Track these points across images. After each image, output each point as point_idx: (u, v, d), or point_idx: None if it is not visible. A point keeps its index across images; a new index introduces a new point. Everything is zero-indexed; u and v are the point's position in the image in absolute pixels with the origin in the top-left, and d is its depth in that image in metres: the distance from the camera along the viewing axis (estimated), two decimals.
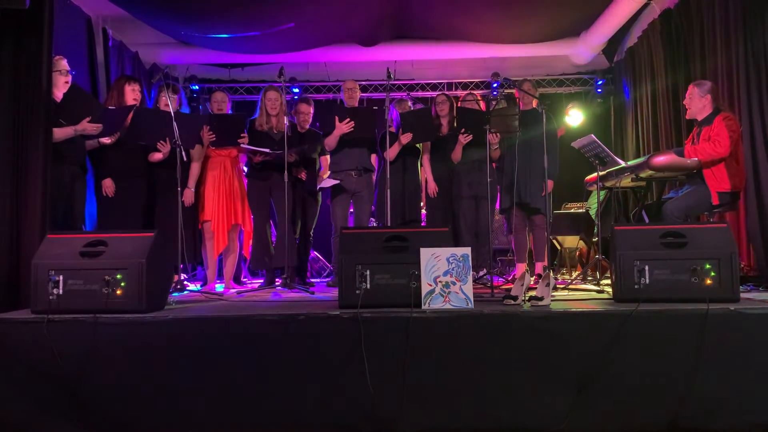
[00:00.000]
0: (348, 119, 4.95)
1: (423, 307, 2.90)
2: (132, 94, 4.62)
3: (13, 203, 3.53)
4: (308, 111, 5.45)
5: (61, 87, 4.09)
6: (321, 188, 5.38)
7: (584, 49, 7.35)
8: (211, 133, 4.75)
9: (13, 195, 3.54)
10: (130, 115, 4.38)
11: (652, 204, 4.93)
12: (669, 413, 2.70)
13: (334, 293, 3.62)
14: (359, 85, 5.32)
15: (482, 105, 5.43)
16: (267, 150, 4.74)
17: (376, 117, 5.14)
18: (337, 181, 5.14)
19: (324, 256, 7.19)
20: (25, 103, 3.61)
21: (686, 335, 2.73)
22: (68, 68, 4.24)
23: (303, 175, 5.16)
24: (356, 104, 5.42)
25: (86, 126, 4.04)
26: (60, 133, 3.93)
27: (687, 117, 4.58)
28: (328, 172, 5.35)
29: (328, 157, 5.41)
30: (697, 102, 4.41)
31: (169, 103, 4.51)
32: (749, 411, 2.70)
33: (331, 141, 5.09)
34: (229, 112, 5.26)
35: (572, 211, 6.87)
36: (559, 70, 8.28)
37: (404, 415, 2.72)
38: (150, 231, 3.16)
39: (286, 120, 4.76)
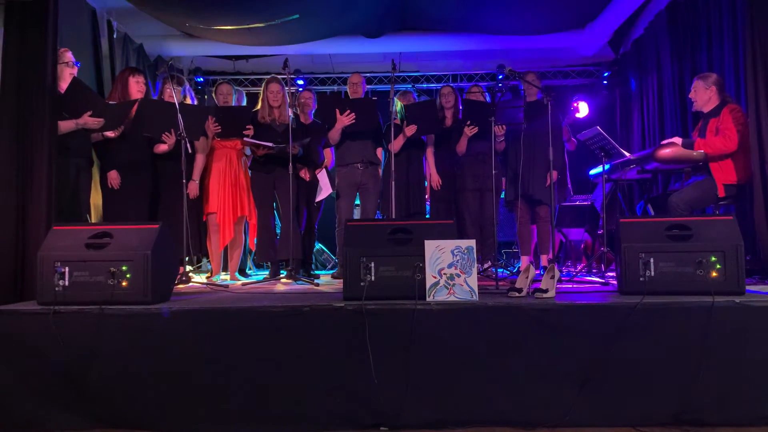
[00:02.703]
0: (348, 111, 4.96)
1: (427, 299, 2.90)
2: (136, 86, 4.62)
3: (18, 195, 3.55)
4: (309, 96, 5.47)
5: (66, 79, 4.11)
6: (318, 202, 5.41)
7: (590, 41, 7.31)
8: (216, 124, 4.76)
9: (18, 187, 3.55)
10: (135, 108, 4.38)
11: (657, 196, 4.92)
12: (673, 406, 2.70)
13: (339, 285, 3.63)
14: (364, 77, 5.32)
15: (487, 97, 5.42)
16: (270, 144, 4.74)
17: (376, 107, 5.15)
18: (331, 190, 5.15)
19: (328, 248, 7.20)
20: (31, 96, 3.62)
21: (691, 328, 2.72)
22: (74, 60, 4.25)
23: (307, 176, 5.16)
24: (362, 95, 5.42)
25: (87, 120, 4.05)
26: (62, 126, 3.94)
27: (694, 110, 4.55)
28: (321, 188, 5.36)
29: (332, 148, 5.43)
30: (702, 94, 4.38)
31: (173, 94, 4.52)
32: (754, 404, 2.69)
33: (334, 134, 5.11)
34: (234, 104, 5.27)
35: (578, 203, 6.85)
36: (565, 62, 8.24)
37: (408, 408, 2.72)
38: (155, 222, 3.17)
39: (290, 112, 4.76)
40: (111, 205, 4.58)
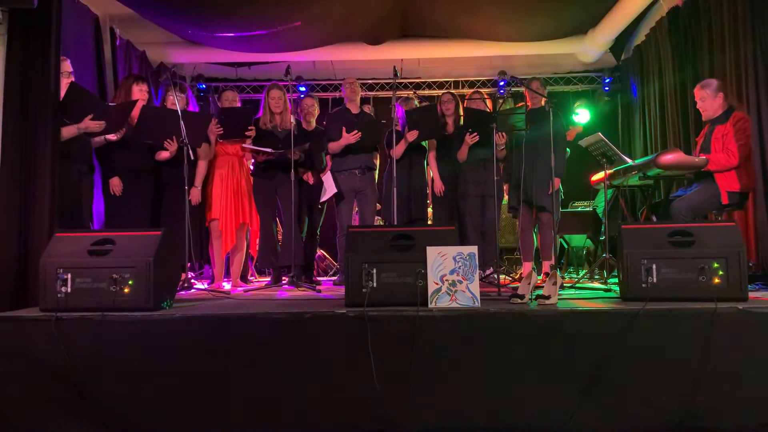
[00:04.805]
0: (355, 131, 5.01)
1: (429, 305, 2.90)
2: (139, 93, 4.63)
3: (21, 202, 3.55)
4: (312, 103, 5.49)
5: (63, 88, 4.11)
6: (321, 204, 5.42)
7: (591, 47, 7.33)
8: (219, 126, 4.78)
9: (21, 194, 3.55)
10: (137, 113, 4.39)
11: (659, 202, 4.91)
12: (676, 413, 2.69)
13: (341, 292, 3.63)
14: (366, 83, 5.36)
15: (489, 103, 5.43)
16: (269, 150, 4.75)
17: (383, 130, 5.20)
18: (335, 190, 5.18)
19: (330, 254, 7.20)
20: (33, 103, 3.62)
21: (694, 334, 2.71)
22: (71, 69, 4.25)
23: (310, 179, 5.17)
24: (358, 99, 5.45)
25: (89, 124, 4.06)
26: (65, 132, 3.96)
27: (705, 119, 4.52)
28: (326, 188, 5.36)
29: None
30: (712, 102, 4.38)
31: (176, 102, 4.54)
32: (757, 411, 2.68)
33: (335, 147, 5.16)
34: None
35: (579, 209, 6.85)
36: (567, 68, 8.26)
37: (410, 414, 2.72)
38: (157, 229, 3.17)
39: (292, 118, 4.77)
40: (113, 211, 4.59)
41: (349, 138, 5.05)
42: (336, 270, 6.75)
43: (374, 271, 3.00)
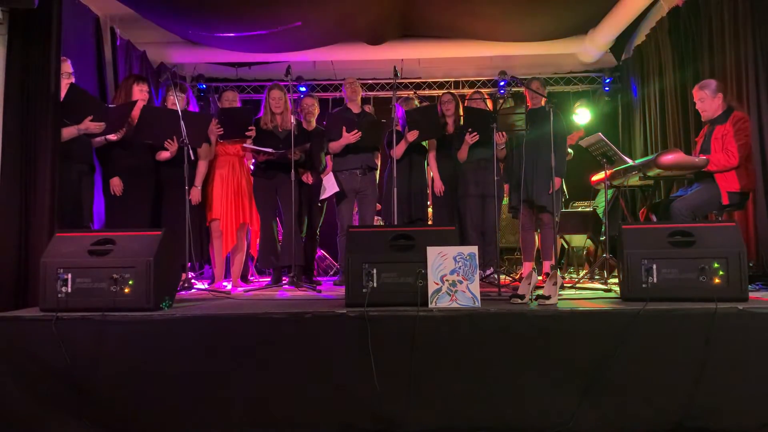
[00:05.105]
0: (355, 131, 5.01)
1: (430, 305, 2.90)
2: (140, 94, 4.64)
3: (22, 202, 3.56)
4: (312, 103, 5.50)
5: (63, 88, 4.11)
6: (323, 200, 5.41)
7: (592, 48, 7.32)
8: (219, 126, 4.78)
9: (22, 194, 3.56)
10: (137, 113, 4.40)
11: (659, 203, 4.91)
12: (676, 413, 2.69)
13: (341, 292, 3.63)
14: (366, 83, 5.36)
15: (489, 103, 5.42)
16: (270, 150, 4.75)
17: (383, 129, 5.19)
18: (337, 189, 5.18)
19: (330, 254, 7.20)
20: (34, 103, 3.63)
21: (694, 334, 2.71)
22: (71, 70, 4.26)
23: (310, 179, 5.17)
24: (358, 99, 5.46)
25: (89, 125, 4.06)
26: (65, 133, 3.96)
27: (704, 120, 4.53)
28: (326, 187, 5.35)
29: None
30: (711, 103, 4.39)
31: (176, 102, 4.54)
32: (757, 411, 2.68)
33: (335, 146, 5.16)
34: None
35: (580, 209, 6.85)
36: (567, 69, 8.24)
37: (410, 414, 2.72)
38: (158, 229, 3.17)
39: (292, 118, 4.77)
40: (113, 211, 4.59)
41: (349, 137, 5.06)
42: (336, 270, 6.75)
43: (374, 271, 3.00)
